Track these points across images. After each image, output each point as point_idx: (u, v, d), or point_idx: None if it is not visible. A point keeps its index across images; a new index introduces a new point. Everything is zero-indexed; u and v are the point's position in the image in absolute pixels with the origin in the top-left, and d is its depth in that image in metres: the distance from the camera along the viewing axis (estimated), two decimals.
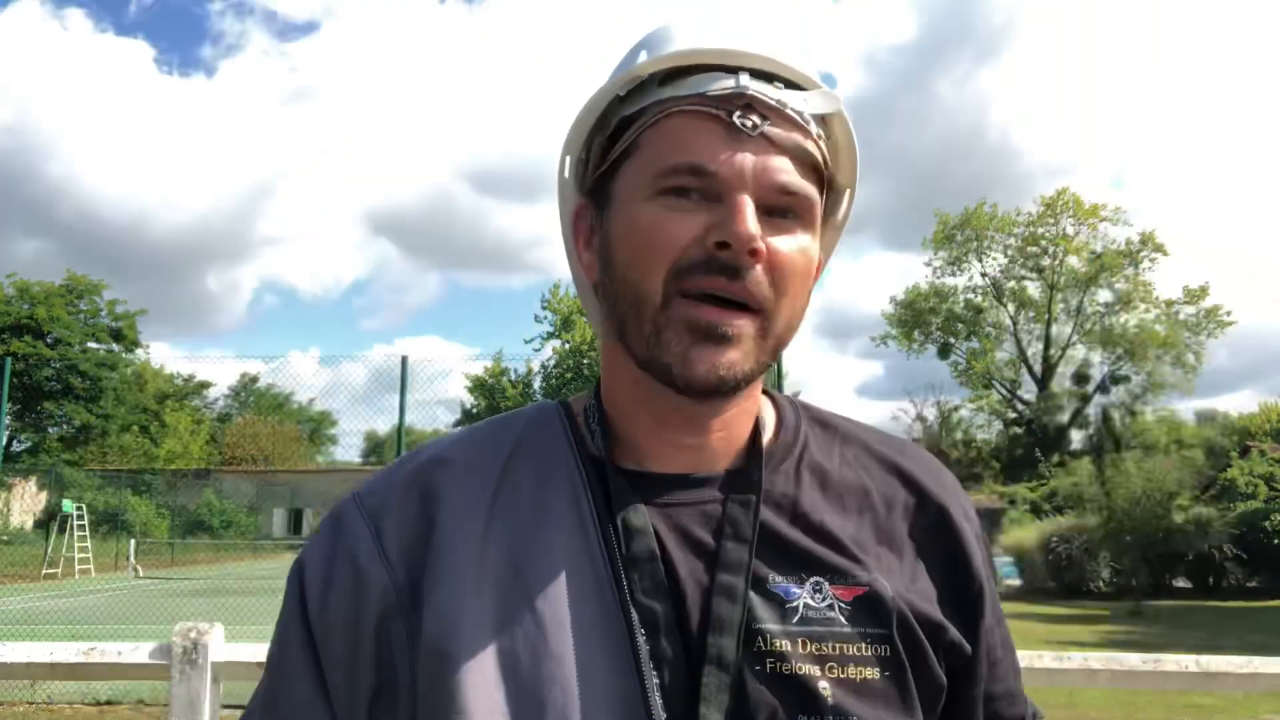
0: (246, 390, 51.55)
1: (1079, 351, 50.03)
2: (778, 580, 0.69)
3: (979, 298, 50.39)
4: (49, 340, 32.25)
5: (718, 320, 0.67)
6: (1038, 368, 50.13)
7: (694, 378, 0.67)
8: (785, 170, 0.67)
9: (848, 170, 0.76)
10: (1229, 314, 45.17)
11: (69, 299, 33.28)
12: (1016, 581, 23.76)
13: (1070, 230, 47.60)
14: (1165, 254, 46.14)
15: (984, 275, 50.04)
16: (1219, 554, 20.32)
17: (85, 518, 23.28)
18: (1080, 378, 49.02)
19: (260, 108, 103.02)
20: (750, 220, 0.65)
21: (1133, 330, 46.54)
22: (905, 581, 0.73)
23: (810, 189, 0.69)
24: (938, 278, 50.85)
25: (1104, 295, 48.10)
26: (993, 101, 76.66)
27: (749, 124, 0.66)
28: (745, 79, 0.67)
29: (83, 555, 22.62)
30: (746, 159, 0.66)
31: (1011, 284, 49.97)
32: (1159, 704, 8.07)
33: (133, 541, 24.74)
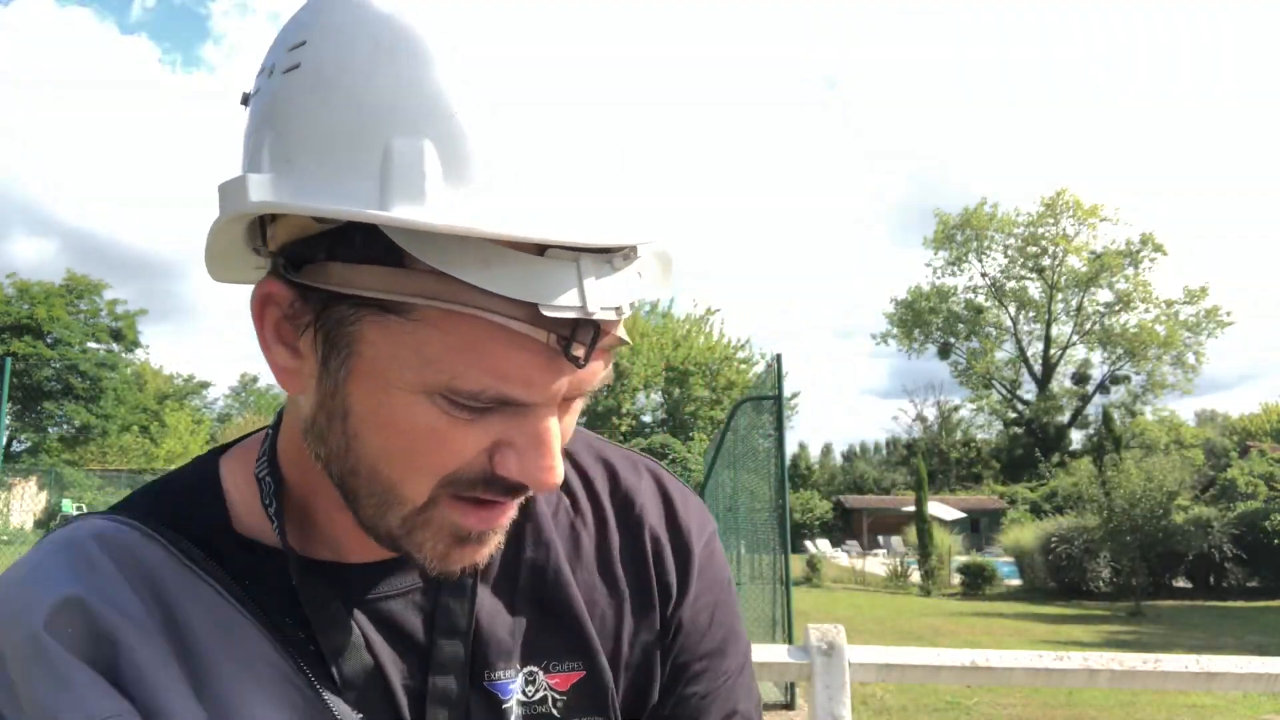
0: (246, 390, 51.57)
1: (1079, 351, 50.02)
2: (494, 676, 0.62)
3: (979, 297, 50.40)
4: (49, 340, 32.24)
5: (488, 526, 0.55)
6: (1038, 368, 50.14)
7: (448, 573, 0.57)
8: (596, 375, 0.53)
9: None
10: (1229, 314, 45.18)
11: (69, 299, 33.27)
12: (1016, 581, 23.77)
13: (1070, 230, 47.59)
14: (1165, 254, 46.15)
15: (984, 275, 50.05)
16: (1219, 554, 20.32)
17: None
18: (1080, 378, 49.03)
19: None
20: (558, 465, 0.53)
21: (1133, 330, 46.54)
22: (627, 632, 0.67)
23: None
24: (938, 278, 50.88)
25: (1104, 295, 48.09)
26: (996, 101, 76.57)
27: (580, 355, 0.49)
28: (590, 285, 0.48)
29: None
30: (564, 378, 0.51)
31: (1011, 284, 49.97)
32: (1159, 704, 8.07)
33: None
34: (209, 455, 0.68)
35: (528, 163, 0.47)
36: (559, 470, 0.52)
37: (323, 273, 0.50)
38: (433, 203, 0.45)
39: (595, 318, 0.48)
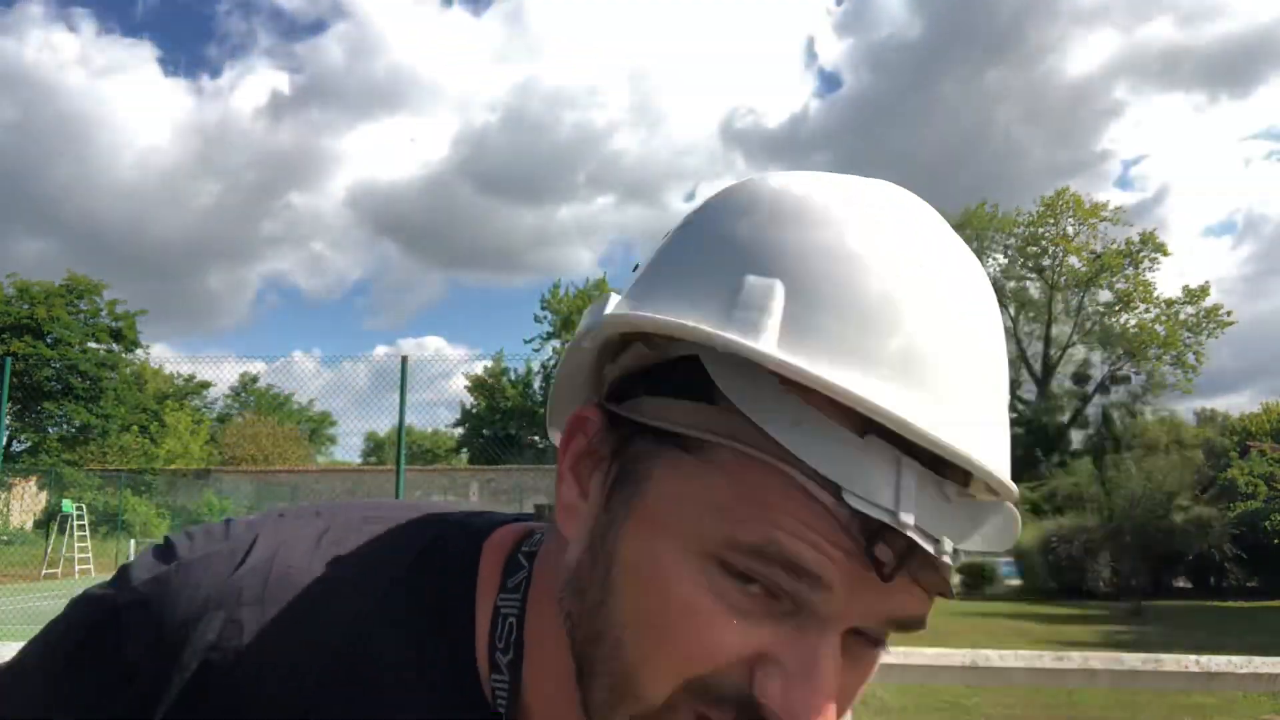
0: (247, 390, 51.57)
1: (1079, 351, 50.05)
2: None
3: None
4: (49, 340, 32.26)
5: None
6: (1038, 368, 50.16)
7: None
8: (909, 603, 0.45)
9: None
10: (1229, 314, 45.19)
11: (69, 299, 33.28)
12: (1016, 581, 23.77)
13: (1070, 230, 47.62)
14: (1166, 254, 46.16)
15: None
16: (1219, 554, 20.32)
17: (85, 518, 23.30)
18: (1080, 378, 49.05)
19: (265, 106, 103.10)
20: (828, 702, 0.44)
21: (1133, 330, 46.56)
22: None
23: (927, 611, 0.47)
24: None
25: (1104, 295, 48.12)
26: (998, 101, 76.71)
27: (884, 561, 0.42)
28: (909, 496, 0.42)
29: (83, 555, 22.62)
30: (868, 585, 0.43)
31: (1012, 284, 50.00)
32: (1159, 704, 8.07)
33: (133, 542, 24.72)
34: (470, 528, 0.59)
35: (878, 332, 0.43)
36: (828, 715, 0.44)
37: (637, 406, 0.48)
38: (766, 339, 0.42)
39: (906, 531, 0.41)
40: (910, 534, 0.41)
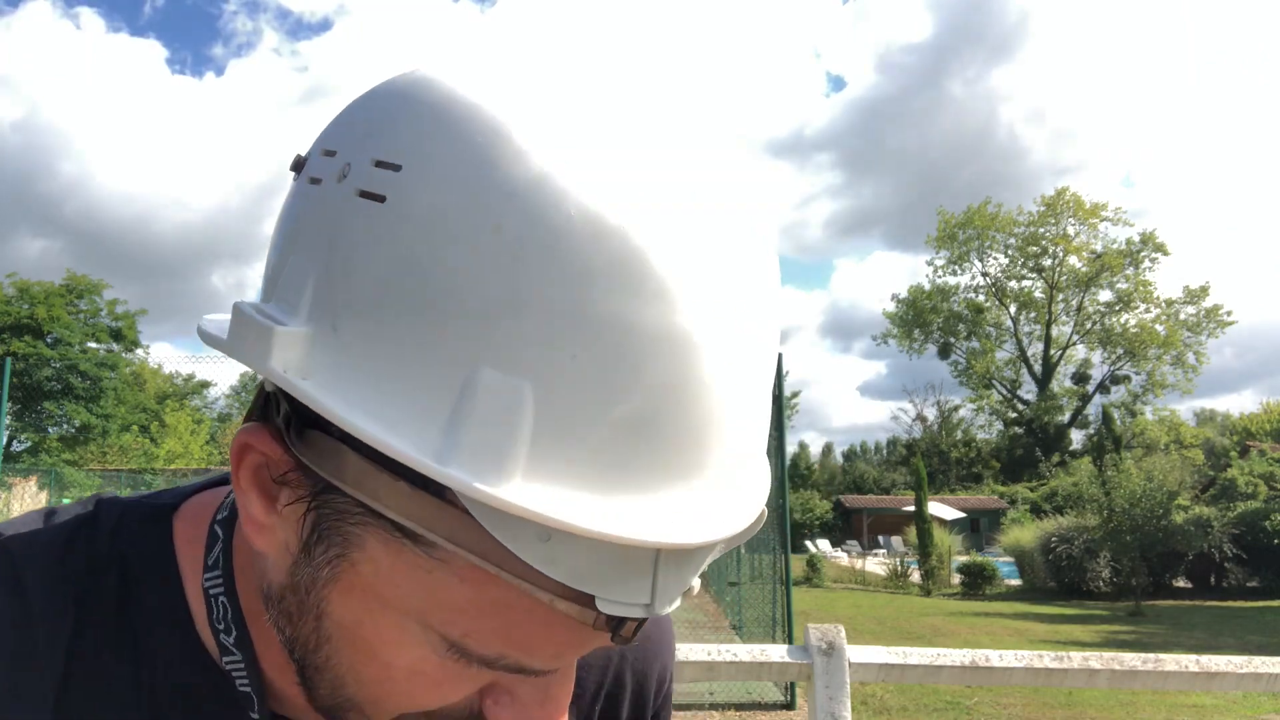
0: (247, 390, 51.53)
1: (1079, 351, 50.06)
2: None
3: (980, 297, 50.42)
4: (49, 340, 32.27)
5: None
6: (1038, 368, 50.15)
7: None
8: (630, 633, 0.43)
9: None
10: (1229, 314, 45.20)
11: (69, 299, 33.30)
12: (1016, 581, 23.77)
13: (1071, 230, 47.62)
14: (1166, 254, 46.16)
15: (985, 275, 50.05)
16: (1219, 554, 20.32)
17: None
18: (1080, 378, 49.05)
19: (270, 106, 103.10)
20: (558, 714, 0.44)
21: (1133, 330, 46.57)
22: None
23: None
24: (939, 277, 50.89)
25: (1104, 295, 48.12)
26: (1002, 100, 76.67)
27: (628, 636, 0.39)
28: (663, 584, 0.37)
29: None
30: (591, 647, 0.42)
31: (1012, 283, 50.00)
32: (1159, 704, 8.07)
33: None
34: (151, 511, 0.54)
35: (654, 443, 0.35)
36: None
37: (335, 458, 0.38)
38: (517, 475, 0.33)
39: (658, 613, 0.38)
40: (661, 612, 0.38)
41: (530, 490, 0.33)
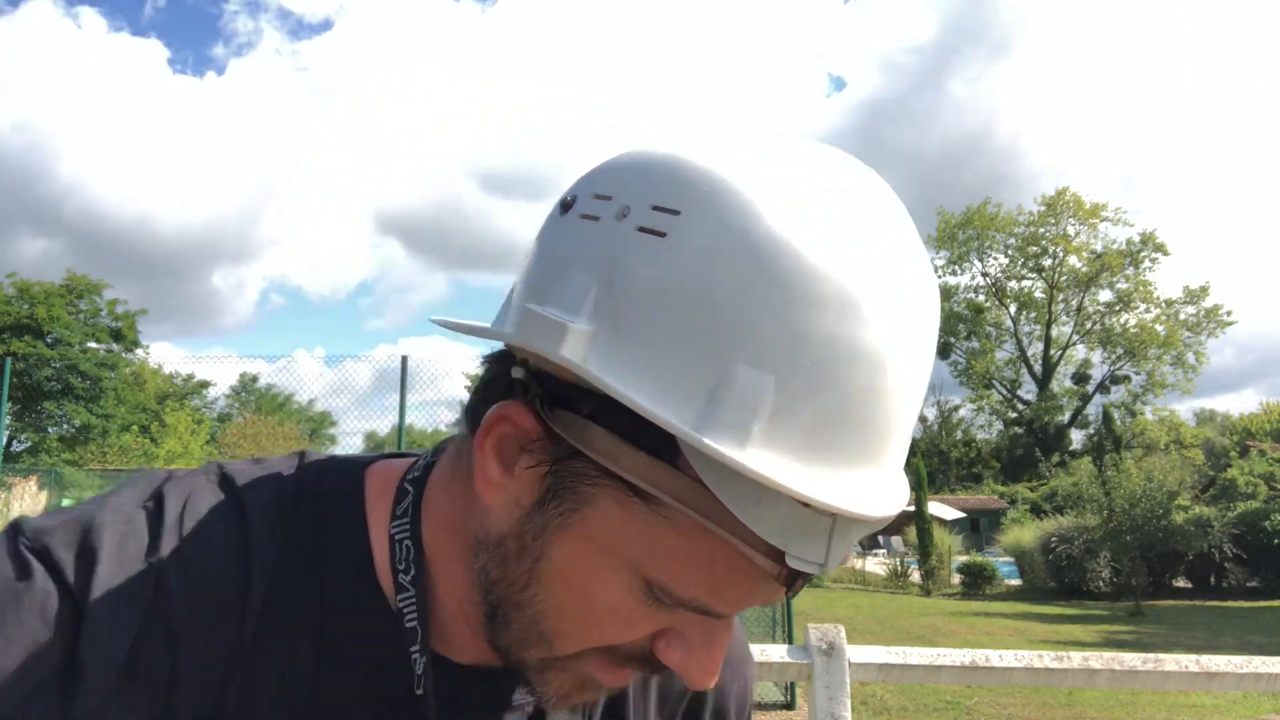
0: (247, 390, 51.56)
1: (1079, 351, 50.06)
2: None
3: (980, 297, 50.42)
4: (49, 340, 32.28)
5: (622, 684, 0.55)
6: (1038, 368, 50.16)
7: (554, 707, 0.58)
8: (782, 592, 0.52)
9: None
10: (1229, 314, 45.20)
11: (69, 299, 33.31)
12: (1016, 581, 23.77)
13: (1071, 230, 47.62)
14: (1166, 254, 46.16)
15: (985, 275, 50.06)
16: (1219, 554, 20.32)
17: None
18: (1080, 378, 49.04)
19: (270, 107, 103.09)
20: (720, 662, 0.53)
21: (1133, 330, 46.57)
22: None
23: None
24: (939, 277, 50.88)
25: (1104, 295, 48.12)
26: (1004, 101, 76.70)
27: (794, 591, 0.50)
28: (839, 546, 0.48)
29: None
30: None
31: (1012, 283, 50.00)
32: (1159, 704, 8.07)
33: None
34: (346, 464, 0.64)
35: (855, 435, 0.46)
36: (716, 674, 0.52)
37: (583, 432, 0.48)
38: (754, 447, 0.43)
39: (826, 570, 0.47)
40: (830, 570, 0.48)
41: (761, 458, 0.43)
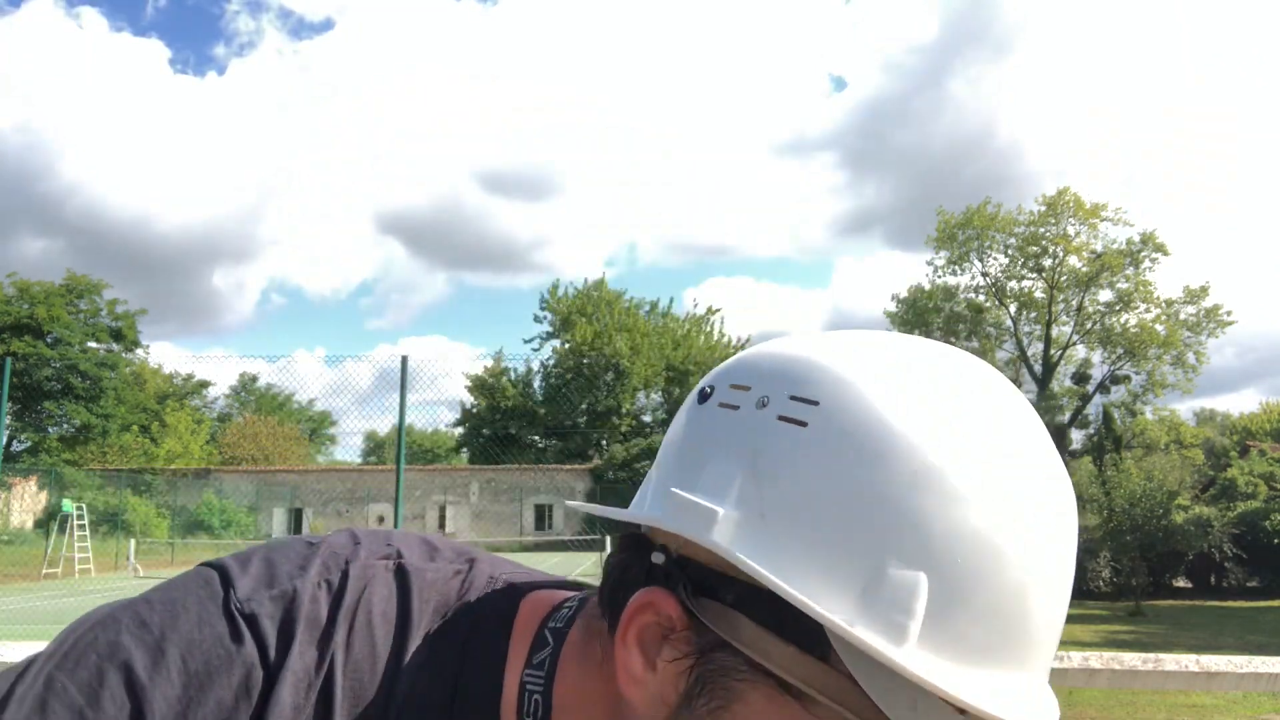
0: (247, 390, 51.60)
1: (1079, 351, 50.10)
2: None
3: (980, 297, 50.48)
4: (49, 340, 32.30)
5: None
6: (1038, 367, 50.21)
7: None
8: None
9: None
10: (1229, 314, 45.22)
11: (69, 299, 33.33)
12: None
13: (1071, 230, 47.66)
14: (1166, 254, 46.19)
15: (985, 275, 50.11)
16: (1219, 554, 20.32)
17: (85, 517, 23.29)
18: (1080, 377, 49.09)
19: (271, 106, 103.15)
20: None
21: (1133, 330, 46.60)
22: None
23: None
24: (939, 277, 50.95)
25: (1104, 295, 48.16)
26: (1004, 101, 76.81)
27: None
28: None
29: (83, 555, 22.62)
30: None
31: (1012, 283, 50.02)
32: (1159, 704, 8.07)
33: (133, 541, 24.73)
34: (508, 588, 0.63)
35: (1007, 637, 0.45)
36: None
37: (728, 622, 0.47)
38: (909, 645, 0.42)
39: None
40: None
41: (918, 657, 0.42)
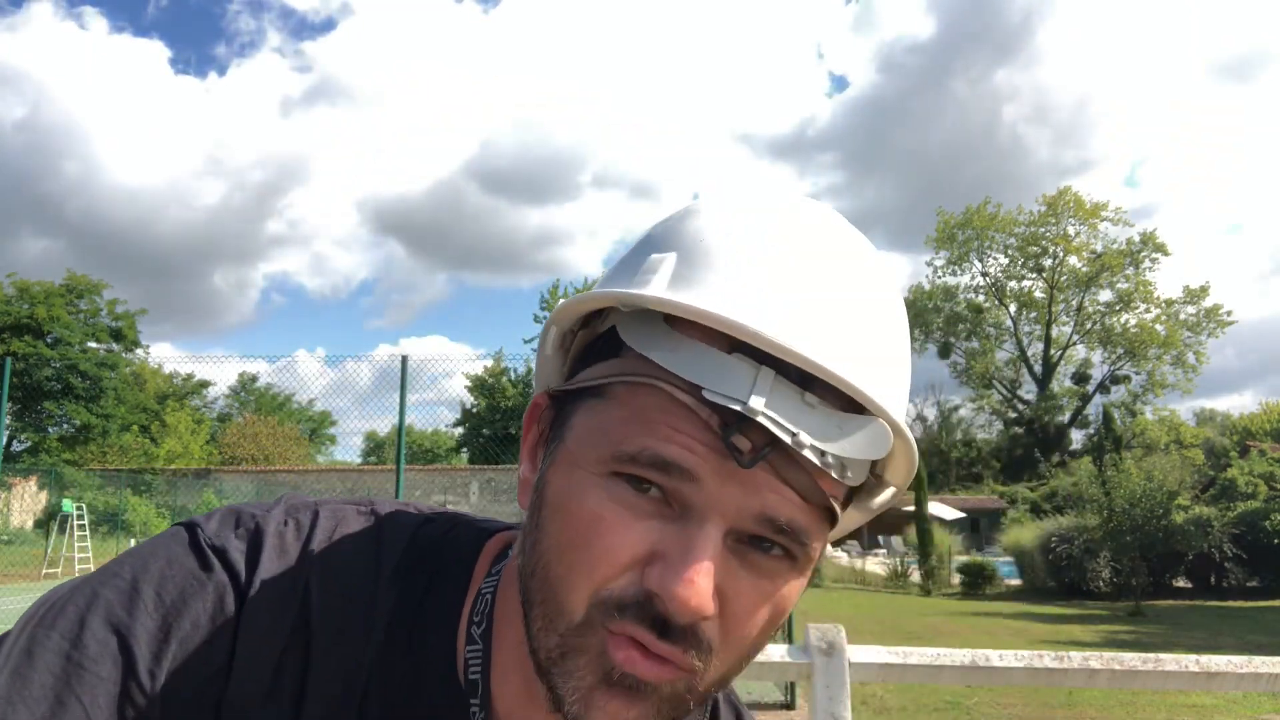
0: (246, 390, 51.55)
1: (1079, 351, 50.04)
2: None
3: (980, 297, 50.41)
4: (49, 340, 32.29)
5: (634, 671, 0.52)
6: (1038, 368, 50.15)
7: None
8: (781, 505, 0.52)
9: (901, 472, 0.59)
10: (1229, 314, 45.18)
11: (69, 299, 33.32)
12: (1016, 581, 23.77)
13: (1072, 230, 47.60)
14: (1166, 254, 46.15)
15: (984, 275, 50.05)
16: (1219, 554, 20.32)
17: (85, 518, 23.29)
18: (1080, 378, 49.04)
19: (273, 106, 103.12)
20: (702, 580, 0.50)
21: (1133, 330, 46.55)
22: None
23: (812, 529, 0.53)
24: (939, 277, 50.89)
25: (1104, 295, 48.11)
26: (1006, 100, 76.70)
27: (743, 449, 0.50)
28: (761, 395, 0.50)
29: (83, 555, 22.62)
30: (733, 478, 0.51)
31: (1012, 283, 49.96)
32: (1159, 704, 8.07)
33: (133, 541, 24.71)
34: (480, 525, 0.68)
35: (739, 276, 0.52)
36: (700, 588, 0.50)
37: (573, 379, 0.57)
38: (651, 289, 0.52)
39: (756, 418, 0.49)
40: (762, 420, 0.49)
41: (659, 297, 0.52)
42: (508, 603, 0.60)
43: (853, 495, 0.58)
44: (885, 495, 0.62)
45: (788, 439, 0.49)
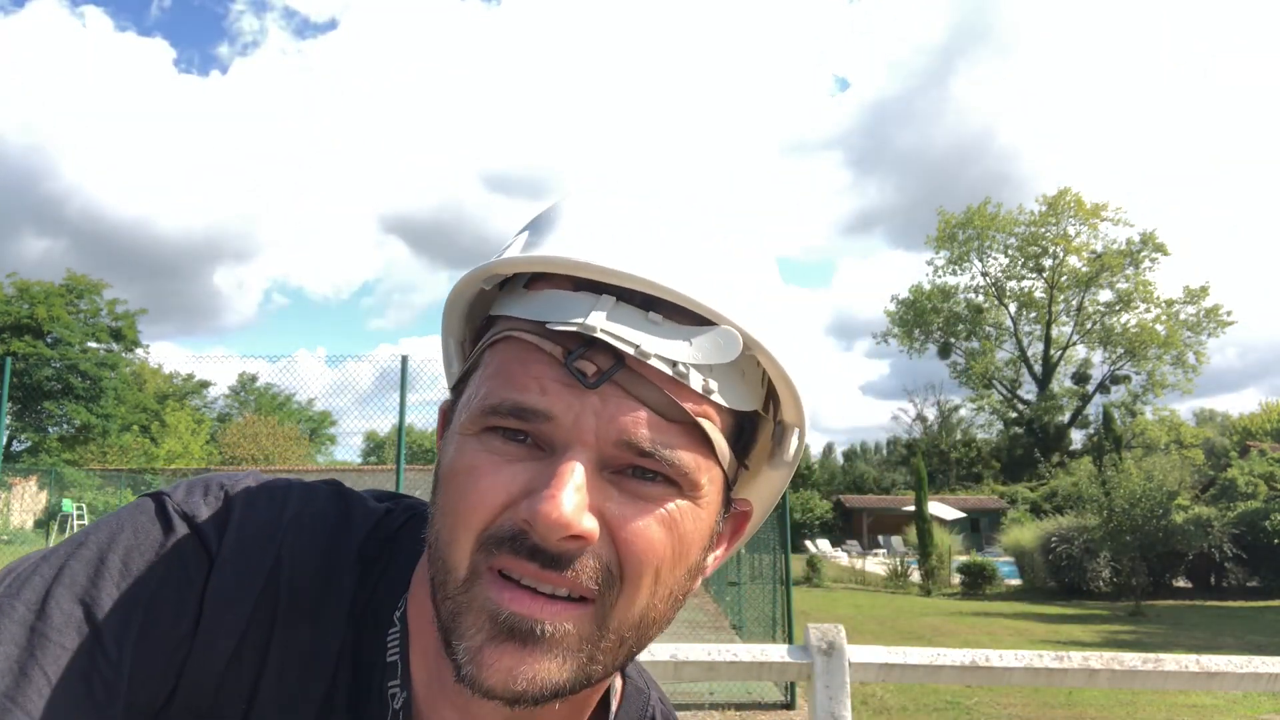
0: (246, 389, 51.52)
1: (1079, 351, 50.04)
2: None
3: (980, 297, 50.40)
4: (49, 340, 32.28)
5: (525, 613, 0.51)
6: (1038, 367, 50.15)
7: (486, 685, 0.51)
8: (638, 425, 0.52)
9: (791, 407, 0.59)
10: (1229, 314, 45.17)
11: (69, 299, 33.31)
12: (1016, 581, 23.76)
13: (1072, 230, 47.58)
14: (1166, 254, 46.14)
15: (985, 275, 50.04)
16: (1219, 554, 20.32)
17: (85, 517, 23.30)
18: (1080, 378, 49.03)
19: (275, 106, 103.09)
20: (565, 495, 0.50)
21: (1133, 330, 46.54)
22: None
23: (682, 450, 0.53)
24: (939, 277, 50.89)
25: (1104, 295, 48.09)
26: (1006, 101, 76.64)
27: (587, 372, 0.52)
28: (600, 312, 0.52)
29: None
30: (587, 407, 0.52)
31: (1012, 283, 49.95)
32: (1159, 704, 8.07)
33: None
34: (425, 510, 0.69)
35: (582, 234, 0.55)
36: (564, 505, 0.50)
37: (462, 375, 0.61)
38: (505, 254, 0.57)
39: (597, 337, 0.51)
40: (602, 336, 0.51)
41: (512, 257, 0.56)
42: (422, 584, 0.61)
43: (753, 439, 0.60)
44: (793, 442, 0.62)
45: (630, 350, 0.51)
